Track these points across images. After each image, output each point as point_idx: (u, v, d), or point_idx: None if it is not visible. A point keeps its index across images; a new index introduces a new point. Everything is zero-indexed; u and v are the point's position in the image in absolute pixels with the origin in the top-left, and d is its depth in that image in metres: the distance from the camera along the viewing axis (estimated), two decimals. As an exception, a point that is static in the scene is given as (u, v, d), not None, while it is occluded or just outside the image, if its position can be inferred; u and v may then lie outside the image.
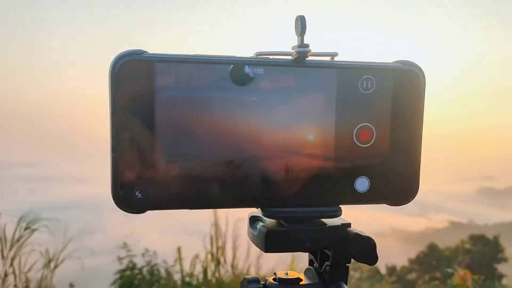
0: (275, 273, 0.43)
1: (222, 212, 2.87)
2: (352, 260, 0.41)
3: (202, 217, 2.96)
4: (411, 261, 9.98)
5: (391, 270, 9.52)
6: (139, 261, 2.93)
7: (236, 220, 2.81)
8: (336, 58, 0.39)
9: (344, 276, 0.42)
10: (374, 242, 0.39)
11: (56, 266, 2.56)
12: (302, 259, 0.48)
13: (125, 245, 2.93)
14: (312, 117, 0.38)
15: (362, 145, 0.39)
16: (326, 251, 0.43)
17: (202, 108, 0.36)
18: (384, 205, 0.43)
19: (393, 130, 0.40)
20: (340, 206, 0.41)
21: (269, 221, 0.41)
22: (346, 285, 0.42)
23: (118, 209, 0.37)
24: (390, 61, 0.40)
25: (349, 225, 0.41)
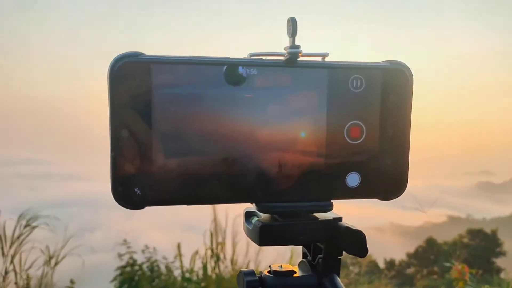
0: (270, 266, 0.45)
1: (222, 208, 2.89)
2: (347, 254, 0.42)
3: (201, 213, 2.97)
4: (410, 256, 10.02)
5: (390, 264, 9.56)
6: (139, 258, 2.94)
7: (235, 216, 2.82)
8: (327, 58, 0.40)
9: (336, 268, 0.44)
10: (364, 235, 0.40)
11: (56, 263, 2.57)
12: (300, 253, 0.50)
13: (125, 242, 2.94)
14: (304, 115, 0.39)
15: (352, 142, 0.41)
16: (319, 244, 0.44)
17: (197, 108, 0.37)
18: (382, 200, 0.44)
19: (383, 127, 0.41)
20: (331, 201, 0.42)
21: (263, 215, 0.42)
22: (339, 276, 0.43)
23: (118, 206, 0.38)
24: (379, 61, 0.42)
25: (340, 219, 0.42)
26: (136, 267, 2.88)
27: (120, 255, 2.90)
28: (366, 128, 0.41)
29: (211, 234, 2.86)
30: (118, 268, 2.87)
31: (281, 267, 0.44)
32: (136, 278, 2.84)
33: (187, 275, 2.84)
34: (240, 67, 0.38)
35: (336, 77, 0.40)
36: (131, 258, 2.89)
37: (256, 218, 0.42)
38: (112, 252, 3.00)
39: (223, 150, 0.38)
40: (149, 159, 0.37)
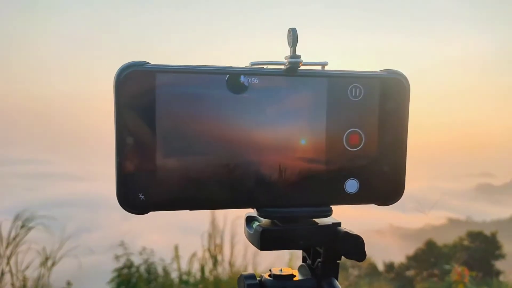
0: (270, 270, 0.45)
1: (220, 211, 2.87)
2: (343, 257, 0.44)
3: (199, 215, 2.96)
4: (409, 258, 10.02)
5: (389, 267, 9.56)
6: (137, 259, 2.93)
7: (233, 218, 2.81)
8: (326, 67, 0.42)
9: (335, 272, 0.44)
10: (363, 240, 0.41)
11: (53, 265, 2.55)
12: (300, 257, 0.49)
13: (122, 243, 2.93)
14: (304, 122, 0.40)
15: (351, 149, 0.42)
16: (318, 248, 0.45)
17: (200, 115, 0.38)
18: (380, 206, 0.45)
19: (381, 135, 0.42)
20: (330, 206, 0.43)
21: (264, 220, 0.43)
22: (337, 280, 0.44)
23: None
24: (377, 70, 0.43)
25: (339, 224, 0.43)
26: (134, 269, 2.87)
27: (117, 257, 2.89)
28: (364, 135, 0.42)
29: (209, 236, 2.85)
30: (115, 270, 2.85)
31: (281, 270, 0.45)
32: (133, 280, 2.83)
33: (184, 277, 2.82)
34: (242, 76, 0.39)
35: (335, 86, 0.41)
36: (128, 259, 2.88)
37: (257, 223, 0.43)
38: (109, 253, 2.98)
39: (225, 157, 0.39)
40: (153, 165, 0.38)
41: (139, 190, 0.38)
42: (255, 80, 0.39)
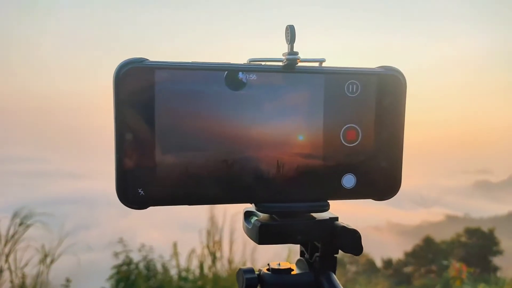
0: (268, 264, 0.46)
1: (219, 207, 2.88)
2: (343, 253, 0.44)
3: (198, 212, 2.96)
4: (407, 255, 10.04)
5: (387, 263, 9.58)
6: (136, 256, 2.93)
7: (232, 214, 2.81)
8: (323, 64, 0.42)
9: (332, 266, 0.45)
10: (360, 234, 0.41)
11: (52, 262, 2.55)
12: (298, 252, 0.50)
13: (121, 240, 2.93)
14: (301, 119, 0.41)
15: (348, 145, 0.42)
16: (315, 243, 0.45)
17: (199, 111, 0.39)
18: (377, 200, 0.45)
19: (377, 130, 0.43)
20: (328, 201, 0.44)
21: (262, 215, 0.43)
22: (335, 274, 0.45)
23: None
24: (374, 67, 0.43)
25: (336, 218, 0.44)
26: (133, 266, 2.87)
27: (116, 254, 2.89)
28: (361, 131, 0.42)
29: (208, 233, 2.85)
30: (114, 267, 2.86)
31: (279, 265, 0.46)
32: (132, 276, 2.83)
33: (183, 274, 2.83)
34: (240, 73, 0.39)
35: (332, 82, 0.41)
36: (127, 256, 2.88)
37: (255, 218, 0.43)
38: (108, 250, 2.99)
39: (224, 153, 0.40)
40: (152, 160, 0.38)
41: (138, 186, 0.39)
42: (253, 77, 0.40)
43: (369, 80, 0.42)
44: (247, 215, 0.45)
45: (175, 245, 2.89)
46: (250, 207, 0.45)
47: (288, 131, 0.41)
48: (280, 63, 0.41)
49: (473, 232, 10.41)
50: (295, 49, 0.40)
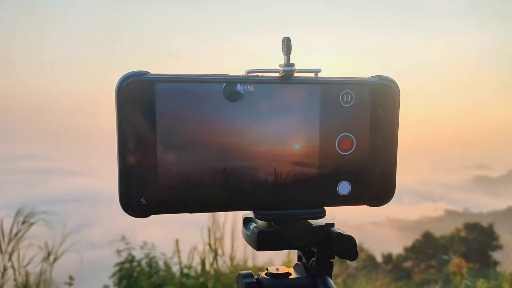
0: (267, 269, 0.47)
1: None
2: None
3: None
4: (407, 250, 10.07)
5: (387, 258, 9.61)
6: (138, 254, 2.95)
7: (233, 211, 2.82)
8: (319, 74, 0.43)
9: (328, 270, 0.46)
10: (355, 240, 0.43)
11: (55, 260, 2.57)
12: (296, 253, 0.51)
13: (123, 238, 2.94)
14: (298, 128, 0.42)
15: (343, 153, 0.43)
16: (312, 248, 0.46)
17: (199, 122, 0.40)
18: (371, 206, 0.46)
19: (372, 139, 0.44)
20: (324, 207, 0.45)
21: (261, 222, 0.45)
22: (331, 278, 0.46)
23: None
24: (368, 76, 0.44)
25: (332, 225, 0.45)
26: (135, 263, 2.88)
27: (118, 251, 2.90)
28: (356, 139, 0.43)
29: (209, 230, 2.87)
30: (117, 264, 2.87)
31: (277, 269, 0.47)
32: (135, 274, 2.85)
33: (185, 270, 2.85)
34: (238, 84, 0.40)
35: (327, 92, 0.42)
36: (129, 254, 2.90)
37: (254, 224, 0.45)
38: (110, 247, 3.00)
39: (223, 162, 0.41)
40: (154, 171, 0.40)
41: (141, 195, 0.40)
42: (251, 88, 0.41)
43: (363, 89, 0.43)
44: (246, 221, 0.46)
45: (177, 243, 2.90)
46: (249, 213, 0.46)
47: (285, 140, 0.42)
48: (277, 74, 0.42)
49: (473, 227, 10.43)
50: (291, 61, 0.41)
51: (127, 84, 0.38)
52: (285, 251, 2.60)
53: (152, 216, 0.41)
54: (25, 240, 2.52)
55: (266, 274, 0.47)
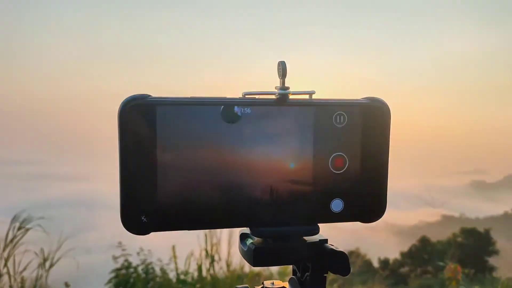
0: (263, 283, 0.49)
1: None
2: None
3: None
4: (404, 255, 10.06)
5: (384, 263, 9.60)
6: (134, 260, 2.94)
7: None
8: (313, 96, 0.44)
9: (322, 284, 0.47)
10: (347, 256, 0.44)
11: (51, 266, 2.56)
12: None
13: (120, 244, 2.93)
14: (293, 148, 0.44)
15: (336, 172, 0.45)
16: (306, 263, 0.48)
17: (198, 143, 0.42)
18: (364, 223, 0.48)
19: (363, 158, 0.45)
20: (318, 224, 0.46)
21: (256, 238, 0.46)
22: None
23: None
24: (360, 98, 0.46)
25: (326, 241, 0.47)
26: (131, 269, 2.87)
27: (115, 258, 2.89)
28: (348, 159, 0.45)
29: (206, 235, 2.87)
30: (113, 271, 2.86)
31: (273, 283, 0.49)
32: (131, 280, 2.84)
33: (182, 276, 2.84)
34: (235, 107, 0.42)
35: (321, 114, 0.44)
36: (126, 260, 2.89)
37: (250, 241, 0.46)
38: (107, 253, 2.99)
39: (220, 181, 0.42)
40: (155, 190, 0.41)
41: (141, 213, 0.41)
42: (247, 110, 0.42)
43: (355, 111, 0.45)
44: (243, 237, 0.48)
45: (173, 249, 2.90)
46: (246, 230, 0.47)
47: (281, 160, 0.43)
48: (273, 96, 0.43)
49: (469, 232, 10.45)
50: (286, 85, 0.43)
51: (130, 107, 0.40)
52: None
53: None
54: (21, 245, 2.51)
55: None
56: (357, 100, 0.45)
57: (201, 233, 2.87)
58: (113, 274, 2.84)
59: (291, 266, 0.51)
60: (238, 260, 2.91)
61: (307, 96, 0.44)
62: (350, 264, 0.45)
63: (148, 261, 2.94)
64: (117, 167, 0.41)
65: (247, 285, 0.48)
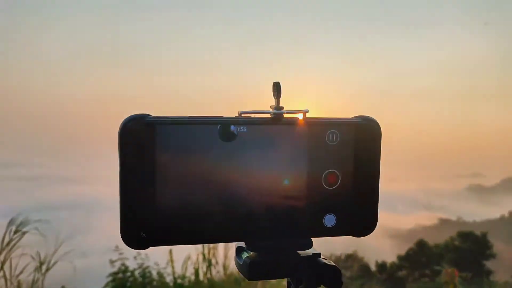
0: None
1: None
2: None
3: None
4: (401, 258, 10.06)
5: (381, 267, 9.60)
6: (131, 264, 2.93)
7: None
8: (307, 114, 0.46)
9: None
10: (340, 270, 0.46)
11: (47, 269, 2.55)
12: None
13: (117, 248, 2.93)
14: (287, 165, 0.45)
15: (329, 188, 0.47)
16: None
17: (195, 161, 0.43)
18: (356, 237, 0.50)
19: (355, 174, 0.47)
20: (311, 239, 0.48)
21: (252, 252, 0.47)
22: None
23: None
24: (352, 117, 0.47)
25: (319, 255, 0.48)
26: (128, 273, 2.87)
27: (112, 261, 2.89)
28: (341, 175, 0.47)
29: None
30: (110, 275, 2.86)
31: None
32: (128, 284, 2.83)
33: (179, 280, 2.84)
34: (232, 126, 0.43)
35: (314, 132, 0.46)
36: (123, 264, 2.89)
37: (246, 254, 0.47)
38: (104, 256, 2.98)
39: (217, 198, 0.44)
40: (154, 207, 0.42)
41: (141, 229, 0.42)
42: (243, 129, 0.44)
43: (347, 129, 0.46)
44: (239, 251, 0.49)
45: (170, 252, 2.90)
46: (242, 243, 0.48)
47: (275, 177, 0.45)
48: (268, 115, 0.45)
49: (466, 236, 10.46)
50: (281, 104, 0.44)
51: (129, 126, 0.41)
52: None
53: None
54: (18, 249, 2.51)
55: None
56: (349, 118, 0.47)
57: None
58: (110, 278, 2.84)
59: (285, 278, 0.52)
60: (234, 264, 2.90)
61: (301, 115, 0.46)
62: (343, 277, 0.46)
63: (145, 265, 2.94)
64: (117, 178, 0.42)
65: None
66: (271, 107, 0.45)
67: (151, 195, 0.42)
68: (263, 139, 0.44)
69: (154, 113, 0.42)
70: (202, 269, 2.84)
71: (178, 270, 2.86)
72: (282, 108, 0.44)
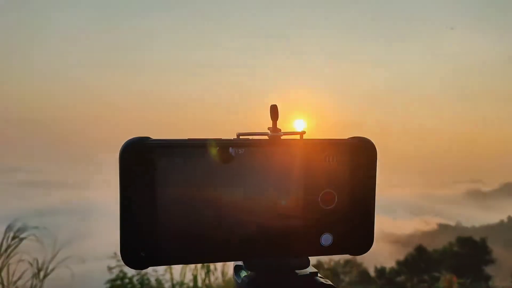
0: None
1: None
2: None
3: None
4: (400, 264, 10.05)
5: (380, 272, 9.59)
6: (129, 271, 2.92)
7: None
8: (304, 136, 0.47)
9: None
10: None
11: (45, 276, 2.54)
12: None
13: (115, 255, 2.92)
14: (284, 185, 0.46)
15: (326, 207, 0.47)
16: None
17: (194, 183, 0.44)
18: (352, 255, 0.50)
19: (352, 194, 0.48)
20: (308, 258, 0.49)
21: (250, 271, 0.48)
22: None
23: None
24: (347, 138, 0.48)
25: (316, 273, 0.49)
26: (126, 280, 2.86)
27: (110, 268, 2.88)
28: (337, 195, 0.47)
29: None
30: (108, 281, 2.85)
31: None
32: (126, 291, 2.82)
33: (177, 287, 2.83)
34: (230, 148, 0.44)
35: (311, 153, 0.46)
36: (121, 271, 2.88)
37: (244, 273, 0.48)
38: (102, 262, 2.98)
39: (216, 218, 0.45)
40: (153, 228, 0.43)
41: (140, 249, 0.43)
42: (241, 151, 0.44)
43: (343, 150, 0.47)
44: (237, 270, 0.50)
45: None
46: (240, 263, 0.49)
47: (273, 197, 0.46)
48: (265, 137, 0.46)
49: (465, 241, 10.45)
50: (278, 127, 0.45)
51: (130, 149, 0.42)
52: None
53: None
54: (16, 255, 2.50)
55: None
56: (345, 139, 0.48)
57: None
58: (108, 285, 2.83)
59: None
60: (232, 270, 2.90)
61: (298, 137, 0.47)
62: (342, 282, 0.46)
63: (143, 271, 2.93)
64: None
65: None
66: (268, 128, 0.46)
67: (151, 216, 0.43)
68: (261, 161, 0.45)
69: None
70: (201, 275, 2.84)
71: (177, 277, 2.86)
72: (279, 130, 0.45)
